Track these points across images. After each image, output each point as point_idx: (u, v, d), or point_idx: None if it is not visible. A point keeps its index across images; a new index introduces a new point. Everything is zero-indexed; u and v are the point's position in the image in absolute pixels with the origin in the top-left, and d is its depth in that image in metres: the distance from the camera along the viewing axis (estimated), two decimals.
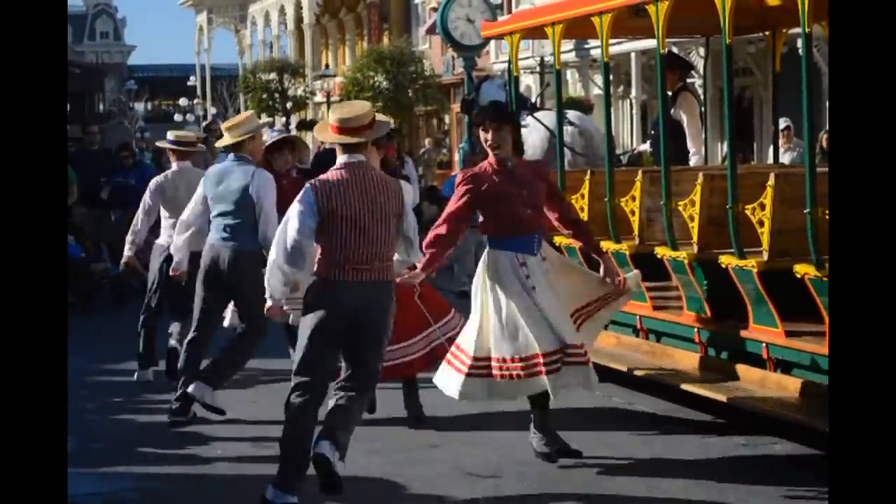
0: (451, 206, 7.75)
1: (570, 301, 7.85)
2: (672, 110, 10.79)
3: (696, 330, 8.96)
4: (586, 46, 26.24)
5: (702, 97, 11.82)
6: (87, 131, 19.20)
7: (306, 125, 41.55)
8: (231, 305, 9.53)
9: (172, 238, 9.95)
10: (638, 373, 9.18)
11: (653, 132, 12.19)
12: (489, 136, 7.62)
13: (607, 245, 9.63)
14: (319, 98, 48.02)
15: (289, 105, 47.62)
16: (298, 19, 51.32)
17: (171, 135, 11.16)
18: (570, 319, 7.75)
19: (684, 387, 8.62)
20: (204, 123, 11.68)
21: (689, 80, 12.21)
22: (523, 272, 7.57)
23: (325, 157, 10.22)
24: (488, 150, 7.68)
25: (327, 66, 49.76)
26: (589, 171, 10.19)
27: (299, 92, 47.84)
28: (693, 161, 11.07)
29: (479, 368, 7.59)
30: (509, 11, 29.00)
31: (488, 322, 7.62)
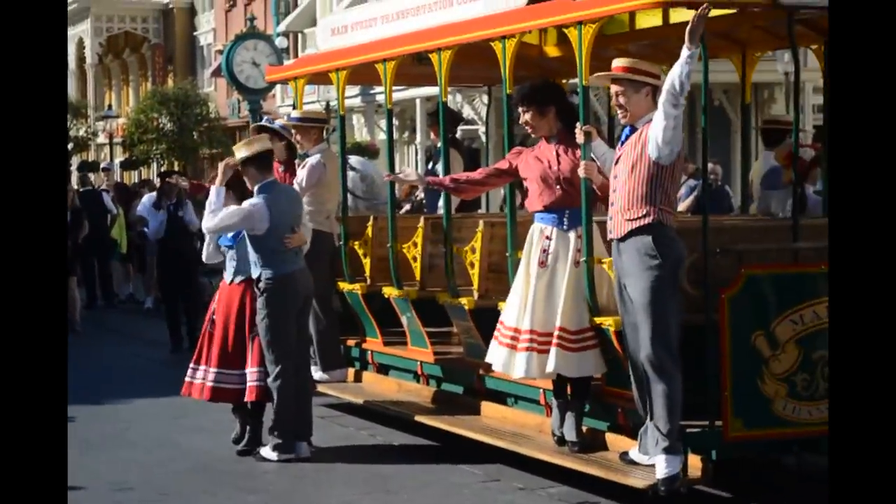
0: None
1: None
2: (430, 164, 10.96)
3: (475, 375, 9.01)
4: (372, 91, 26.39)
5: (484, 145, 11.95)
6: None
7: (88, 167, 40.75)
8: None
9: None
10: (418, 418, 9.18)
11: None
12: None
13: (389, 291, 9.64)
14: (102, 139, 47.21)
15: (70, 146, 46.68)
16: (80, 59, 50.44)
17: (295, 113, 10.50)
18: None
19: (465, 434, 8.63)
20: None
21: (460, 129, 12.35)
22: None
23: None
24: None
25: (110, 106, 49.09)
26: (372, 217, 10.21)
27: (81, 133, 46.96)
28: None
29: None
30: (295, 55, 29.04)
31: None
